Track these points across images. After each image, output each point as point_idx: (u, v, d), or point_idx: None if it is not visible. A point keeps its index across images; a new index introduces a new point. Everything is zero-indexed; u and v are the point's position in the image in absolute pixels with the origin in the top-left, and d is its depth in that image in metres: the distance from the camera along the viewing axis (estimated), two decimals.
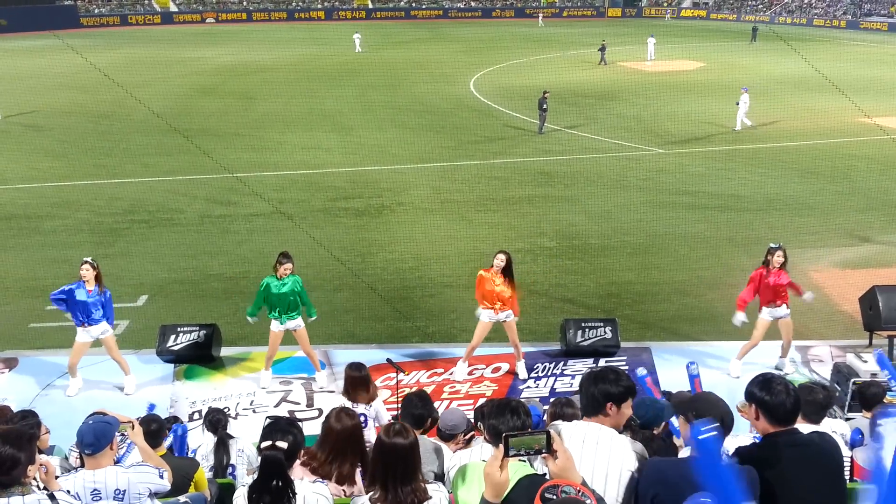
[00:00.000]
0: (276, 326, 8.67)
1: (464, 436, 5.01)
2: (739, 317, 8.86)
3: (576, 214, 15.42)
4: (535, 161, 19.72)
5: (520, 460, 2.74)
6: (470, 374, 9.20)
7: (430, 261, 12.97)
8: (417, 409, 4.95)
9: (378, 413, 6.27)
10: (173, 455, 5.47)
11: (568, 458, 2.74)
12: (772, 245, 8.75)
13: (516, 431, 2.77)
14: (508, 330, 8.92)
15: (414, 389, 8.35)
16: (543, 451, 2.69)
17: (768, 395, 3.32)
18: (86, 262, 8.38)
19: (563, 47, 43.24)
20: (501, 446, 2.67)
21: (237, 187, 16.79)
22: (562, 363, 9.37)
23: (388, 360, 8.13)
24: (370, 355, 9.40)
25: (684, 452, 3.86)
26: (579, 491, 2.51)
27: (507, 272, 8.67)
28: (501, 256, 8.67)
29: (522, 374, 9.11)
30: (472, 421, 5.79)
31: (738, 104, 23.36)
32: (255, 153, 20.79)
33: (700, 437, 2.49)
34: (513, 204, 16.20)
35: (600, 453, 3.22)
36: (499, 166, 19.17)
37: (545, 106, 22.83)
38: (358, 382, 6.22)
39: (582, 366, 9.33)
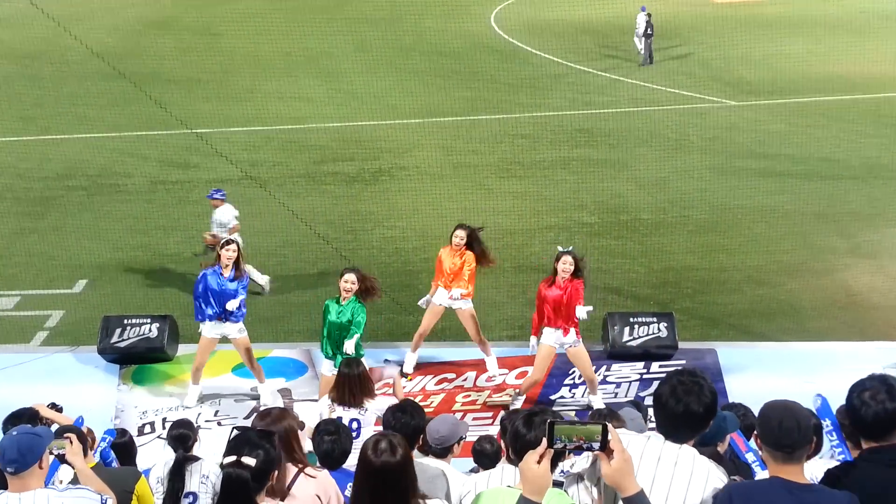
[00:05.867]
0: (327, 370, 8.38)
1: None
2: (533, 341, 8.60)
3: (623, 182, 15.38)
4: (571, 115, 19.62)
5: (568, 451, 2.81)
6: (489, 380, 9.27)
7: (438, 239, 12.83)
8: (409, 420, 4.94)
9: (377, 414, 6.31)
10: (104, 466, 5.52)
11: (626, 460, 2.77)
12: (560, 248, 8.42)
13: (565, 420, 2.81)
14: (462, 321, 9.28)
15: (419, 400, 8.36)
16: (595, 447, 2.71)
17: (859, 402, 3.39)
18: (232, 241, 8.67)
19: None
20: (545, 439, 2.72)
21: (197, 146, 16.75)
22: (604, 367, 9.39)
23: (385, 361, 8.17)
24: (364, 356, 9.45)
25: (760, 476, 3.85)
26: None
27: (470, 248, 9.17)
28: (463, 232, 9.14)
29: (491, 371, 9.35)
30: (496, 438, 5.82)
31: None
32: (219, 104, 20.76)
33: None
34: (544, 169, 16.15)
35: (679, 476, 3.23)
36: (526, 121, 19.11)
37: (649, 31, 24.21)
38: (350, 382, 6.24)
39: (630, 371, 9.36)
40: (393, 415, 4.99)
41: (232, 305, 8.42)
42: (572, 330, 8.35)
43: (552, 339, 8.44)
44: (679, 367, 3.64)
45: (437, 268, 9.41)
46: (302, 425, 4.82)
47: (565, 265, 8.23)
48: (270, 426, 4.30)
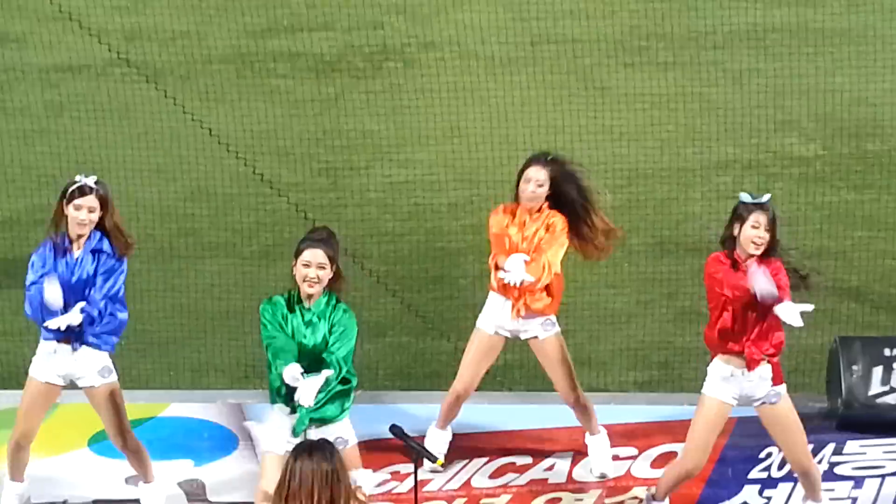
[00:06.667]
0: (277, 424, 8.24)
1: None
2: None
3: (868, 78, 15.57)
4: None
5: None
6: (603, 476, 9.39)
7: (498, 186, 13.01)
8: None
9: None
10: None
11: None
12: (744, 197, 8.14)
13: None
14: (544, 361, 9.27)
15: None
16: None
17: None
18: (85, 185, 8.35)
19: None
20: None
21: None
22: (831, 446, 9.50)
23: (393, 429, 8.34)
24: (352, 419, 9.61)
25: None
26: None
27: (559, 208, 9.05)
28: (541, 173, 9.02)
29: (600, 466, 9.35)
30: None
31: None
32: None
33: None
34: (711, 48, 16.28)
35: None
36: None
37: None
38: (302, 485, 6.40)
39: (882, 454, 9.45)
40: None
41: (71, 320, 8.28)
42: (767, 366, 8.26)
43: (725, 384, 8.26)
44: None
45: (493, 246, 9.29)
46: None
47: (757, 229, 8.03)
48: None
